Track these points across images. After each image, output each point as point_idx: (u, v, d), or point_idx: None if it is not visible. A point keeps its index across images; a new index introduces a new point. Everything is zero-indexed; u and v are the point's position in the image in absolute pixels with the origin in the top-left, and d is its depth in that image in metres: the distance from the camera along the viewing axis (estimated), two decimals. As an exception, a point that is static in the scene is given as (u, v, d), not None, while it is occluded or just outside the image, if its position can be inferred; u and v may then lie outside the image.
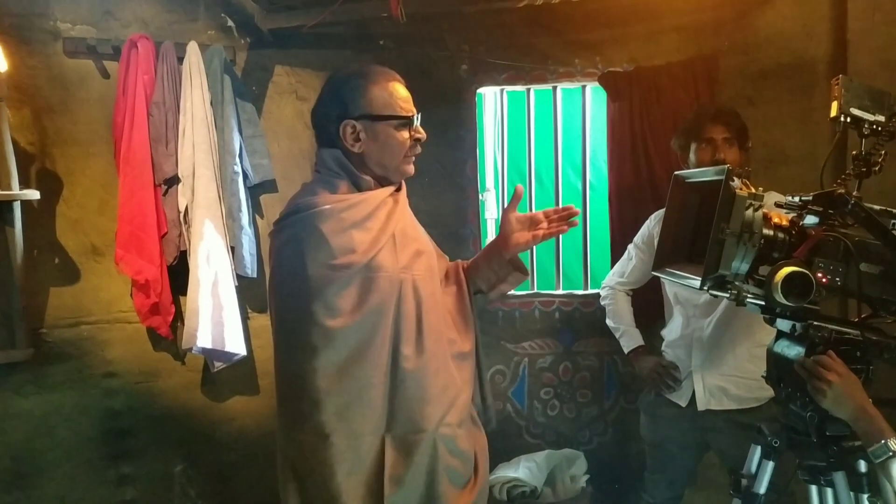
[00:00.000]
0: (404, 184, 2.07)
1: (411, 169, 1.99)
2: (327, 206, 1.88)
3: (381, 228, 1.90)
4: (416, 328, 1.89)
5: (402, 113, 1.92)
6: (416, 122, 1.95)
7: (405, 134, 1.93)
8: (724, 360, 2.74)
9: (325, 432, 1.81)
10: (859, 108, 1.80)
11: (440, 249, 2.21)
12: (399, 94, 1.94)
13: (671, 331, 2.94)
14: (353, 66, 2.00)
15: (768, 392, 2.27)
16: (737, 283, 1.76)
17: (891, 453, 1.60)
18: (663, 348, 2.97)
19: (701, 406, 2.76)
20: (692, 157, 2.76)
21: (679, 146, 2.85)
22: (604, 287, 3.19)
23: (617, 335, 3.09)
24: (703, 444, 2.85)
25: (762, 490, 2.00)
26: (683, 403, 2.82)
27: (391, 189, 1.99)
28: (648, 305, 3.16)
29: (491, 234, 4.24)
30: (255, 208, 3.51)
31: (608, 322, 3.14)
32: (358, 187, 1.95)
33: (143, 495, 3.42)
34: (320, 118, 1.98)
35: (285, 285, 1.92)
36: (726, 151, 2.68)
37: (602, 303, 3.18)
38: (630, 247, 3.10)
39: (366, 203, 1.91)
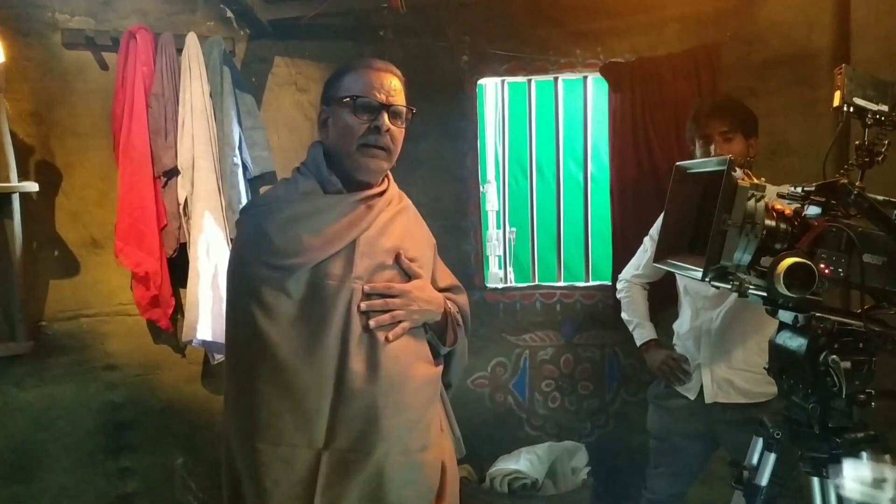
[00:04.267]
0: (393, 188, 1.98)
1: (376, 165, 1.86)
2: (278, 204, 1.84)
3: (337, 234, 1.81)
4: (369, 343, 1.78)
5: (358, 94, 1.83)
6: (382, 110, 1.83)
7: (356, 118, 1.82)
8: (732, 352, 2.72)
9: (253, 437, 1.74)
10: (863, 98, 1.78)
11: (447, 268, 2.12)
12: (372, 80, 1.85)
13: (681, 323, 2.94)
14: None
15: (776, 387, 2.25)
16: (739, 274, 1.74)
17: None
18: (674, 341, 2.96)
19: (708, 399, 2.75)
20: (696, 152, 2.76)
21: (689, 140, 2.84)
22: (620, 280, 3.16)
23: (630, 328, 3.07)
24: (711, 438, 2.83)
25: (764, 482, 1.99)
26: (692, 396, 2.81)
27: (363, 194, 1.88)
28: (665, 299, 3.14)
29: (492, 225, 4.24)
30: (255, 200, 3.50)
31: (623, 315, 3.10)
32: (324, 189, 1.87)
33: (143, 488, 3.41)
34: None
35: (230, 282, 1.90)
36: (722, 146, 2.65)
37: (618, 296, 3.15)
38: (646, 239, 3.07)
39: (325, 206, 1.84)
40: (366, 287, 1.80)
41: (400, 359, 1.82)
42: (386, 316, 1.81)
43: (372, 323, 1.79)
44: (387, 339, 1.80)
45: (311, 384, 1.74)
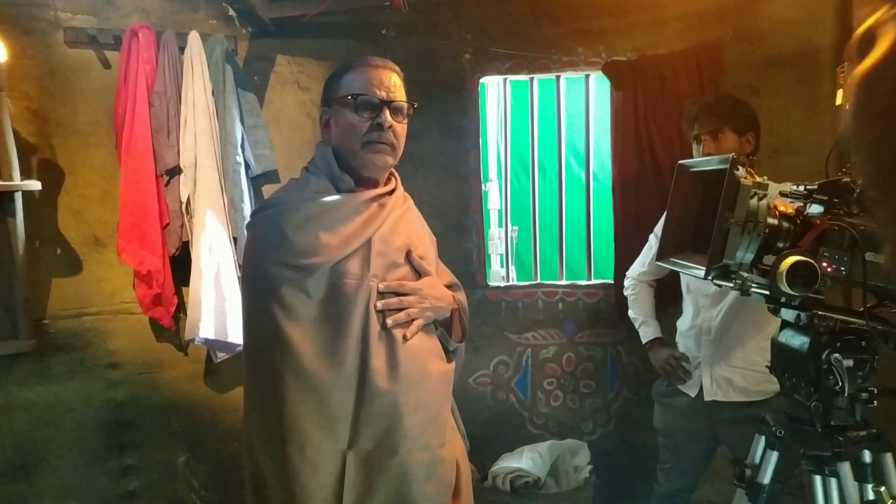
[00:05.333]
0: (400, 188, 1.99)
1: (381, 160, 1.87)
2: (293, 205, 1.84)
3: (354, 233, 1.81)
4: (388, 340, 1.79)
5: (358, 92, 1.84)
6: (383, 107, 1.84)
7: (357, 116, 1.84)
8: (731, 351, 2.73)
9: (279, 442, 1.74)
10: (865, 96, 1.78)
11: (447, 267, 2.13)
12: (371, 77, 1.86)
13: (683, 321, 2.95)
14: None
15: (775, 385, 2.26)
16: (741, 272, 1.75)
17: None
18: (676, 339, 2.97)
19: (707, 396, 2.76)
20: (693, 153, 2.77)
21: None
22: (627, 278, 3.17)
23: (636, 326, 3.09)
24: (714, 435, 2.85)
25: (766, 480, 1.99)
26: (692, 394, 2.82)
27: (375, 192, 1.90)
28: (668, 296, 3.15)
29: (494, 224, 4.24)
30: (258, 199, 3.49)
31: (629, 313, 3.13)
32: (336, 187, 1.88)
33: (146, 486, 3.42)
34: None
35: (248, 283, 1.91)
36: (709, 144, 2.67)
37: (625, 293, 3.16)
38: (651, 237, 3.08)
39: (340, 205, 1.85)
40: (380, 286, 1.81)
41: (417, 356, 1.83)
42: (402, 314, 1.82)
43: (390, 321, 1.80)
44: (404, 337, 1.81)
45: (334, 385, 1.74)
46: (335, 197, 1.86)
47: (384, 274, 1.84)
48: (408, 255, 1.91)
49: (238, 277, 3.24)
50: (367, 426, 1.75)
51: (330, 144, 1.92)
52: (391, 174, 1.99)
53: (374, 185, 1.92)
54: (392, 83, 1.88)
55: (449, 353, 1.98)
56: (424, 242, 2.02)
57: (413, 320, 1.85)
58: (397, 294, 1.84)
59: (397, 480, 1.76)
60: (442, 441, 1.87)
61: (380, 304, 1.80)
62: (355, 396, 1.75)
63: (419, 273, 1.92)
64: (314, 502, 1.73)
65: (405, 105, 1.90)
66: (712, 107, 2.77)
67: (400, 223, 1.93)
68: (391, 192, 1.95)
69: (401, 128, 1.90)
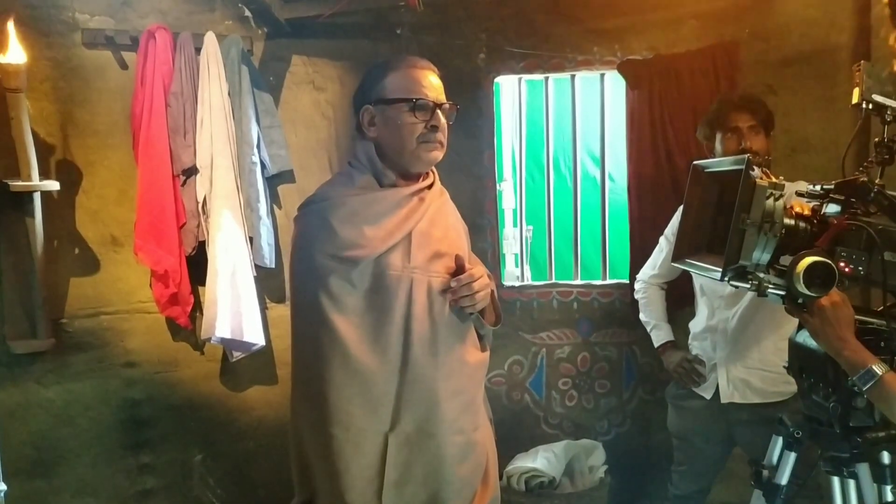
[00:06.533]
0: (438, 181, 2.06)
1: (434, 156, 1.94)
2: (340, 199, 1.90)
3: (397, 226, 1.89)
4: (430, 329, 1.87)
5: (411, 96, 1.89)
6: (436, 109, 1.91)
7: (415, 118, 1.89)
8: (748, 352, 2.71)
9: (325, 423, 1.83)
10: (881, 95, 1.77)
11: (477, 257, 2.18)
12: (419, 79, 1.92)
13: (697, 323, 2.93)
14: (391, 56, 2.04)
15: (793, 387, 2.24)
16: (758, 273, 1.74)
17: (878, 376, 1.61)
18: (690, 341, 2.95)
19: (724, 399, 2.74)
20: (718, 146, 2.73)
21: (704, 136, 2.81)
22: (638, 281, 3.16)
23: (648, 329, 3.07)
24: (729, 437, 2.83)
25: (784, 481, 1.98)
26: (708, 396, 2.81)
27: (416, 187, 1.96)
28: (682, 297, 3.14)
29: (508, 223, 4.24)
30: (273, 198, 3.51)
31: (641, 316, 3.11)
32: (380, 182, 1.95)
33: (162, 484, 3.44)
34: (353, 108, 2.01)
35: (296, 274, 1.98)
36: (752, 139, 2.65)
37: (636, 296, 3.15)
38: (661, 239, 3.06)
39: (383, 199, 1.92)
40: (453, 283, 1.89)
41: (455, 345, 1.93)
42: (474, 300, 1.91)
43: (470, 310, 1.92)
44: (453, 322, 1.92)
45: (378, 370, 1.84)
46: (378, 192, 1.93)
47: (426, 265, 1.90)
48: (456, 258, 1.96)
49: (254, 277, 3.27)
50: (408, 410, 1.85)
51: (371, 141, 1.96)
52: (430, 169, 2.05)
53: (416, 179, 1.99)
54: (438, 85, 1.96)
55: (482, 339, 2.06)
56: (459, 234, 2.09)
57: (463, 308, 1.93)
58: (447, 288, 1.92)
59: (434, 461, 1.87)
60: (475, 425, 1.97)
61: (451, 301, 1.90)
62: (398, 382, 1.85)
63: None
64: (357, 481, 1.83)
65: (451, 106, 1.97)
66: (754, 102, 2.74)
67: (438, 216, 2.00)
68: (430, 187, 2.01)
69: (447, 127, 1.97)
